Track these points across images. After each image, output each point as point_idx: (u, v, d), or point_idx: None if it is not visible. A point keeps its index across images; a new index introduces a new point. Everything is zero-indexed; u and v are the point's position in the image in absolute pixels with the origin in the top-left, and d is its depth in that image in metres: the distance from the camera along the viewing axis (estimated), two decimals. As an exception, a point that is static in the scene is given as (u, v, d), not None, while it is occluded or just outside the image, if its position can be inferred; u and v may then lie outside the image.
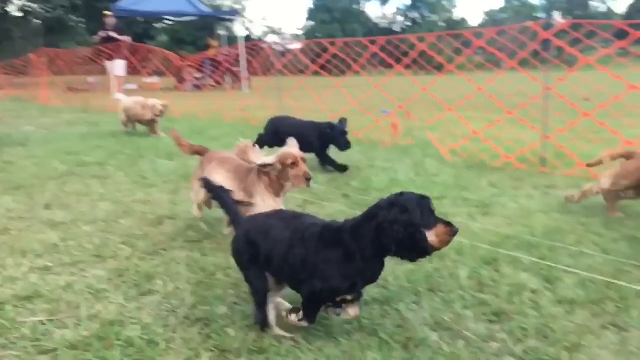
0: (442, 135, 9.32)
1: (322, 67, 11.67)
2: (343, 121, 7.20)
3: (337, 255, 2.53)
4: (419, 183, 6.37)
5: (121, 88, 18.11)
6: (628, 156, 5.10)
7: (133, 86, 23.77)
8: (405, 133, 10.01)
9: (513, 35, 8.35)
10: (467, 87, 8.16)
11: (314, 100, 12.46)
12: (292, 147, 4.09)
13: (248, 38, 45.20)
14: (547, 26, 7.23)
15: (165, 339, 2.84)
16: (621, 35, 6.76)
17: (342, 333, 2.88)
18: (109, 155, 8.31)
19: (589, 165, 5.61)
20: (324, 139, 7.09)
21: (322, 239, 2.61)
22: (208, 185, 3.27)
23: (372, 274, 2.64)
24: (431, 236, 2.44)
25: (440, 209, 5.23)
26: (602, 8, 73.47)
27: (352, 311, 2.78)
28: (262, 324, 2.88)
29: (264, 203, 4.02)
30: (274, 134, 7.27)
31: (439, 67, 9.43)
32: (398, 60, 9.62)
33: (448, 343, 2.76)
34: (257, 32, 72.55)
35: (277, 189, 4.08)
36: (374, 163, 7.55)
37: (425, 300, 3.27)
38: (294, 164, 3.99)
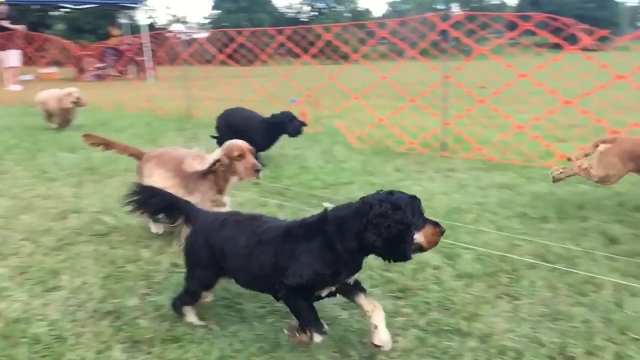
0: (349, 123, 9.54)
1: (230, 57, 11.58)
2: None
3: (317, 245, 2.43)
4: (328, 170, 6.53)
5: (15, 79, 17.06)
6: (611, 142, 4.84)
7: (28, 77, 22.41)
8: (313, 121, 10.15)
9: (414, 26, 8.69)
10: (372, 75, 8.41)
11: (222, 90, 12.34)
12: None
13: (152, 27, 43.70)
14: (445, 17, 7.58)
15: (74, 333, 2.78)
16: (512, 26, 7.22)
17: (255, 317, 2.94)
18: (4, 149, 7.85)
19: (569, 159, 5.27)
20: (275, 129, 6.81)
21: (291, 235, 2.52)
22: (143, 192, 3.08)
23: (353, 268, 2.53)
24: (420, 237, 2.40)
25: (349, 194, 5.43)
26: (496, 0, 77.24)
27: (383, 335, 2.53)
28: (176, 308, 2.89)
29: (207, 201, 3.91)
30: (227, 128, 6.95)
31: (345, 57, 9.64)
32: (305, 50, 9.74)
33: (357, 320, 2.90)
34: (161, 21, 70.28)
35: (221, 185, 3.94)
36: (284, 151, 7.63)
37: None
38: (241, 155, 3.86)
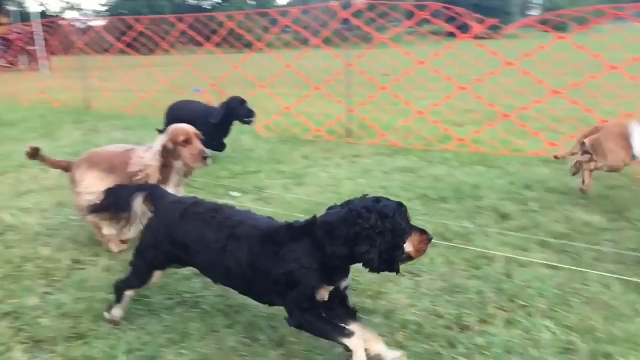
0: (255, 112, 9.52)
1: (129, 46, 11.17)
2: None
3: (307, 251, 2.29)
4: (235, 159, 6.51)
5: None
6: (596, 131, 4.83)
7: None
8: (219, 111, 10.05)
9: (316, 14, 8.79)
10: (277, 64, 8.44)
11: (122, 80, 11.90)
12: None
13: (44, 14, 41.17)
14: (347, 6, 7.73)
15: (-31, 338, 2.64)
16: (410, 15, 7.48)
17: (164, 309, 2.92)
18: None
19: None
20: (228, 117, 6.47)
21: (278, 239, 2.36)
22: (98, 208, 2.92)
23: (342, 272, 2.41)
24: (408, 246, 2.29)
25: (257, 182, 5.45)
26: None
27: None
28: (116, 288, 2.78)
29: None
30: (177, 122, 6.53)
31: (249, 45, 9.60)
32: (207, 39, 9.59)
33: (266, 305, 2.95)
34: (53, 8, 66.24)
35: (166, 175, 3.61)
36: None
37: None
38: (187, 141, 3.60)
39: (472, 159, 6.37)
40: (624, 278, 3.21)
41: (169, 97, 7.70)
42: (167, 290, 3.09)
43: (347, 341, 2.23)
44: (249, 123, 6.50)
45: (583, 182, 4.88)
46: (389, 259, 2.24)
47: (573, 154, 4.98)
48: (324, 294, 2.33)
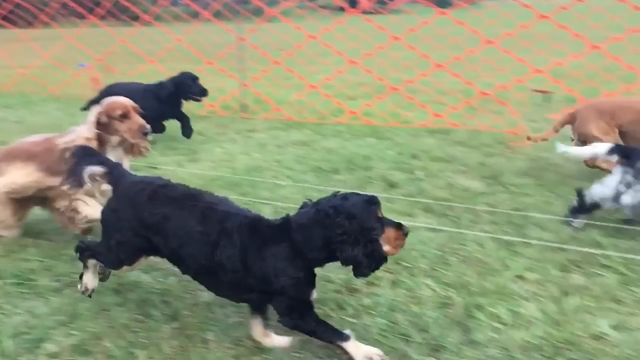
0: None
1: (5, 18, 10.38)
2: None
3: (291, 254, 2.21)
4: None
5: None
6: (571, 119, 4.76)
7: None
8: (107, 87, 9.64)
9: (206, -14, 8.61)
10: (166, 38, 8.21)
11: (-2, 55, 11.06)
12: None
13: None
14: (237, -21, 7.64)
15: None
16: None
17: (51, 291, 2.85)
18: None
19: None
20: (177, 94, 6.13)
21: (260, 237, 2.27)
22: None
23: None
24: (382, 244, 2.20)
25: (149, 159, 5.34)
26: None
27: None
28: (81, 255, 2.65)
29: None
30: None
31: (136, 18, 9.23)
32: (90, 10, 9.11)
33: (159, 281, 2.95)
34: None
35: (101, 151, 3.18)
36: (76, 120, 7.16)
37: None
38: (125, 115, 3.30)
39: (364, 131, 6.59)
40: (496, 236, 3.51)
41: (51, 73, 7.29)
42: (54, 272, 3.01)
43: (345, 345, 2.22)
44: (199, 101, 6.24)
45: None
46: (371, 259, 2.16)
47: (544, 139, 4.99)
48: (313, 293, 2.31)
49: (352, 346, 2.23)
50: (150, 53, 8.95)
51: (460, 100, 6.91)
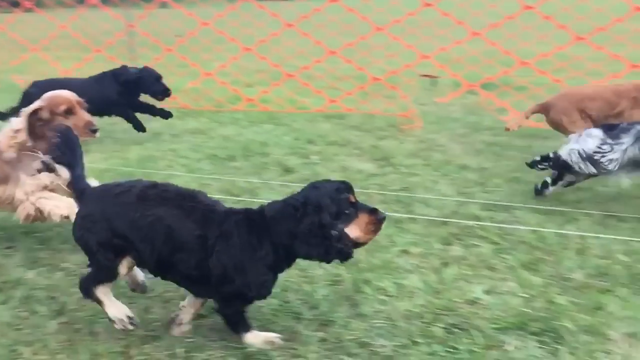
0: (32, 77, 8.71)
1: None
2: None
3: (258, 245, 2.17)
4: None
5: None
6: (544, 109, 4.79)
7: None
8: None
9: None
10: (50, 25, 7.78)
11: None
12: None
13: None
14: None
15: None
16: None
17: None
18: None
19: (507, 130, 5.09)
20: (129, 91, 5.64)
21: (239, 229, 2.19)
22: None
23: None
24: (354, 230, 2.15)
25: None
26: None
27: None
28: (87, 292, 2.32)
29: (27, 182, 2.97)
30: None
31: (15, 4, 8.67)
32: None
33: (45, 277, 2.86)
34: None
35: (39, 147, 2.99)
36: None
37: (20, 243, 3.26)
38: (70, 110, 3.05)
39: (261, 118, 6.63)
40: (386, 214, 3.68)
41: None
42: None
43: (247, 336, 2.28)
44: (161, 100, 5.79)
45: None
46: (327, 249, 2.12)
47: (519, 126, 4.99)
48: None
49: (251, 336, 2.29)
50: (32, 41, 8.44)
51: (354, 85, 7.10)
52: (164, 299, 2.65)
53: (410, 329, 2.42)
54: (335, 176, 4.54)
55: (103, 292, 2.29)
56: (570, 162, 3.66)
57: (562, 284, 2.79)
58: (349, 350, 2.29)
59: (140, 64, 7.61)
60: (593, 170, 3.62)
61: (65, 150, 2.41)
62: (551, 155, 3.78)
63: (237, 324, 2.30)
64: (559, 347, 2.28)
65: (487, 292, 2.73)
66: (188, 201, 2.24)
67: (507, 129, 4.93)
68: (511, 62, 6.47)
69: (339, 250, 2.12)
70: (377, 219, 2.18)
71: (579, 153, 3.62)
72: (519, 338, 2.34)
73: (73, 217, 2.47)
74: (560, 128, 4.63)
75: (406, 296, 2.70)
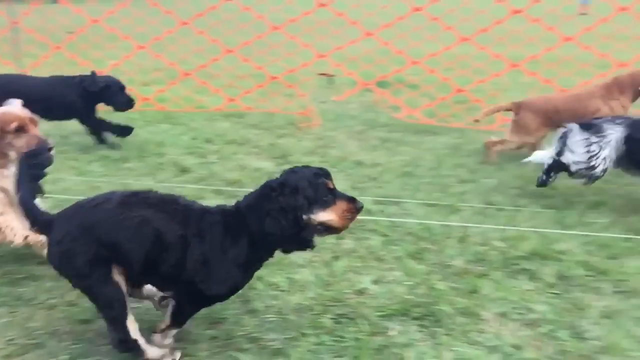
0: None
1: None
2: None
3: (236, 244, 2.17)
4: None
5: None
6: (515, 109, 4.86)
7: None
8: None
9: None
10: None
11: None
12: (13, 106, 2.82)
13: None
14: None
15: None
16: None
17: None
18: None
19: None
20: (90, 97, 5.19)
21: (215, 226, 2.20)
22: None
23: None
24: (330, 215, 2.15)
25: None
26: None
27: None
28: (126, 345, 2.16)
29: None
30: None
31: None
32: None
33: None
34: None
35: (2, 164, 2.79)
36: None
37: None
38: (21, 128, 2.76)
39: (157, 117, 6.48)
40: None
41: None
42: None
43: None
44: (124, 111, 5.39)
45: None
46: (293, 235, 2.16)
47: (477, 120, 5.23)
48: None
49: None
50: None
51: (253, 84, 7.11)
52: (47, 306, 2.56)
53: (301, 322, 2.49)
54: (233, 175, 4.56)
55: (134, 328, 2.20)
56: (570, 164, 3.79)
57: (444, 270, 2.98)
58: (239, 346, 2.33)
59: (25, 63, 7.24)
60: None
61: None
62: (551, 162, 3.88)
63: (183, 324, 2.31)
64: (437, 329, 2.44)
65: (375, 282, 2.85)
66: (170, 204, 2.24)
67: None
68: (403, 61, 6.74)
69: (302, 237, 2.18)
70: (355, 208, 2.21)
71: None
72: (402, 323, 2.48)
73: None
74: (523, 130, 4.77)
75: (298, 290, 2.77)
